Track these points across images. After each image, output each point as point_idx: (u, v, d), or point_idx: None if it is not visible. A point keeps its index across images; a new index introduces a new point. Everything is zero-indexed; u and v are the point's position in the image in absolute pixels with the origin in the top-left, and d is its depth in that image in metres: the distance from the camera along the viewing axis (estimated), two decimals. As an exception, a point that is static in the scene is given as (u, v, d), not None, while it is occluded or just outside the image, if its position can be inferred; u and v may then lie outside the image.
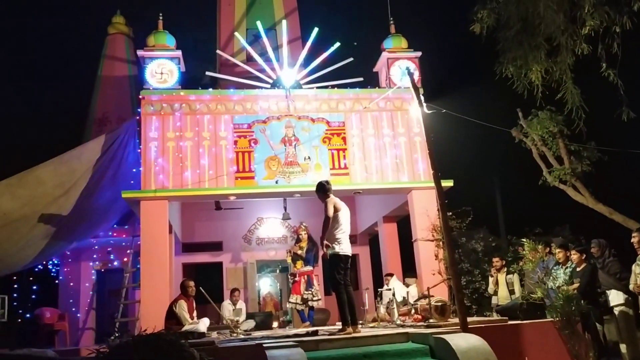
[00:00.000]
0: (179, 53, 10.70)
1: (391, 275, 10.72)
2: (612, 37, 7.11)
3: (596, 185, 11.04)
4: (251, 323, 9.98)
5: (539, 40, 7.57)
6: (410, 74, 8.10)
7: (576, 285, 7.48)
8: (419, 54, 11.45)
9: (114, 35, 15.82)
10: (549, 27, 7.34)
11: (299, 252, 10.11)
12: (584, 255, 7.70)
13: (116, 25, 15.94)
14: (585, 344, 7.03)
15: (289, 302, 10.19)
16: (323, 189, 7.26)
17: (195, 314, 8.33)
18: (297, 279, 10.09)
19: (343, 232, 7.03)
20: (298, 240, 10.32)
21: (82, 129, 14.90)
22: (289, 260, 10.52)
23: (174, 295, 8.98)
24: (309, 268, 10.03)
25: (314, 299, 9.86)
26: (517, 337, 6.98)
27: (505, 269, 9.46)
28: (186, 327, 7.63)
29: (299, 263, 10.11)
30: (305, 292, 9.87)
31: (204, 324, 7.97)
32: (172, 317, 7.94)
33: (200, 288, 8.60)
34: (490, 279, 9.64)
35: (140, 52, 10.73)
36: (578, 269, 7.63)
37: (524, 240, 9.34)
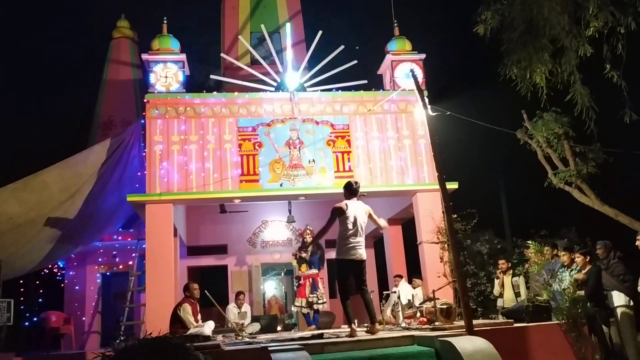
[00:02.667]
0: (183, 57, 10.73)
1: (400, 276, 10.69)
2: (616, 38, 7.09)
3: (602, 187, 11.00)
4: (256, 326, 9.98)
5: (543, 41, 7.55)
6: (415, 76, 8.10)
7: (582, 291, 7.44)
8: (423, 56, 11.45)
9: (119, 39, 15.90)
10: (553, 29, 7.32)
11: (304, 255, 10.11)
12: (588, 258, 7.68)
13: (121, 29, 16.01)
14: (592, 346, 7.00)
15: (294, 305, 10.19)
16: (346, 189, 7.15)
17: (199, 317, 8.33)
18: (302, 282, 10.09)
19: (351, 236, 6.86)
20: (303, 244, 10.33)
21: (87, 132, 14.97)
22: (295, 263, 10.54)
23: (179, 299, 8.99)
24: (314, 271, 10.04)
25: (319, 302, 9.85)
26: (523, 340, 6.94)
27: (511, 272, 9.43)
28: (191, 331, 7.63)
29: (304, 266, 10.12)
30: (311, 295, 9.88)
31: (209, 327, 7.96)
32: (177, 320, 7.93)
33: (206, 291, 8.60)
34: (496, 282, 9.61)
35: (144, 56, 10.77)
36: (583, 272, 7.60)
37: (530, 242, 9.32)
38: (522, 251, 10.40)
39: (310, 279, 10.00)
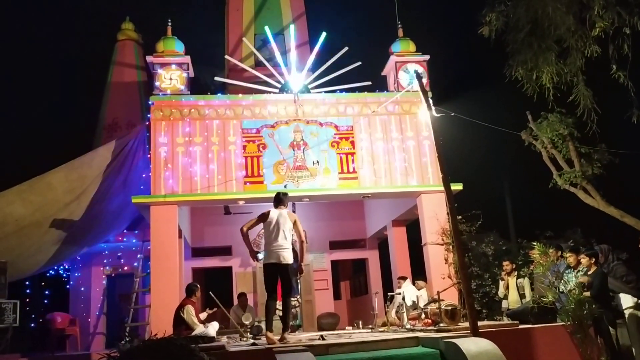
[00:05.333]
0: (187, 59, 10.76)
1: (404, 278, 10.62)
2: (622, 39, 7.07)
3: (607, 187, 10.96)
4: (248, 316, 9.90)
5: (548, 42, 7.53)
6: (419, 78, 8.09)
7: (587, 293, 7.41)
8: (427, 57, 11.44)
9: (124, 41, 15.93)
10: (558, 29, 7.30)
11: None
12: (594, 259, 7.65)
13: (125, 32, 16.05)
14: (598, 348, 6.97)
15: None
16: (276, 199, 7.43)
17: (201, 315, 8.36)
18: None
19: (272, 241, 7.11)
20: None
21: (92, 134, 15.01)
22: None
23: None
24: None
25: (297, 305, 9.69)
26: (528, 342, 6.92)
27: (516, 273, 9.40)
28: (196, 332, 7.65)
29: None
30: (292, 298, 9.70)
31: (213, 329, 7.98)
32: (180, 322, 7.95)
33: (210, 292, 8.62)
34: (501, 283, 9.58)
35: (149, 58, 10.80)
36: (589, 272, 7.57)
37: (535, 243, 9.30)
38: (527, 252, 10.36)
39: None
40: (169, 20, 11.23)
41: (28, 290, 13.14)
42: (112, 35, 16.22)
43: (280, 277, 7.04)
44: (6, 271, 8.83)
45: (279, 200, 7.38)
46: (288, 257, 7.00)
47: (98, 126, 15.02)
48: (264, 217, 7.19)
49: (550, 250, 8.74)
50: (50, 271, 13.60)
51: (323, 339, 7.03)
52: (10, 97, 22.10)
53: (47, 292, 14.13)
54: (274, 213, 7.20)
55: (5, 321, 8.51)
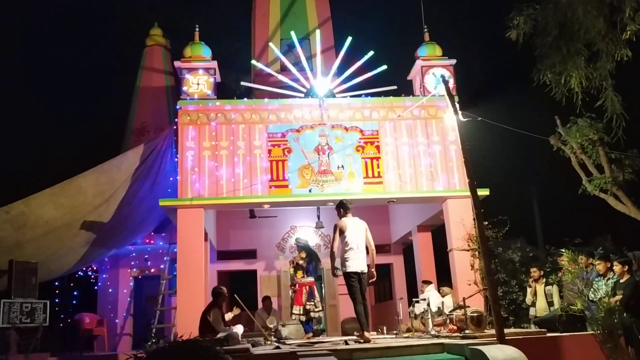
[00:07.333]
0: (214, 64, 10.88)
1: (428, 282, 10.50)
2: (655, 42, 6.93)
3: (638, 194, 10.72)
4: (272, 320, 9.94)
5: (578, 45, 7.41)
6: (445, 82, 8.04)
7: (619, 297, 7.26)
8: (453, 61, 11.35)
9: (152, 46, 16.17)
10: (588, 33, 7.18)
11: (301, 262, 9.99)
12: (627, 267, 7.48)
13: (154, 37, 16.29)
14: (629, 358, 6.80)
15: (292, 313, 10.01)
16: (342, 207, 7.87)
17: (227, 315, 8.44)
18: (297, 288, 9.97)
19: (351, 250, 7.52)
20: (299, 251, 10.17)
21: (121, 138, 15.26)
22: (291, 270, 10.39)
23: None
24: (310, 279, 9.81)
25: (316, 309, 9.69)
26: (555, 350, 6.80)
27: (544, 280, 9.25)
28: (221, 334, 7.70)
29: (299, 273, 10.01)
30: (308, 302, 9.69)
31: (238, 332, 8.03)
32: (206, 325, 8.02)
33: (235, 295, 8.67)
34: (528, 290, 9.44)
35: (177, 63, 10.96)
36: (621, 281, 7.41)
37: (563, 250, 9.13)
38: (555, 259, 10.18)
39: (307, 287, 9.79)
40: (197, 25, 11.39)
41: (58, 291, 13.40)
42: (140, 41, 16.49)
43: (361, 284, 7.47)
44: (37, 272, 9.00)
45: (346, 208, 7.84)
46: (363, 266, 7.52)
47: (127, 130, 15.26)
48: (344, 227, 7.62)
49: (581, 257, 8.58)
50: (79, 272, 13.83)
51: (347, 343, 7.02)
52: (42, 102, 22.66)
53: (75, 293, 14.37)
54: (346, 221, 7.67)
55: (36, 321, 8.67)
